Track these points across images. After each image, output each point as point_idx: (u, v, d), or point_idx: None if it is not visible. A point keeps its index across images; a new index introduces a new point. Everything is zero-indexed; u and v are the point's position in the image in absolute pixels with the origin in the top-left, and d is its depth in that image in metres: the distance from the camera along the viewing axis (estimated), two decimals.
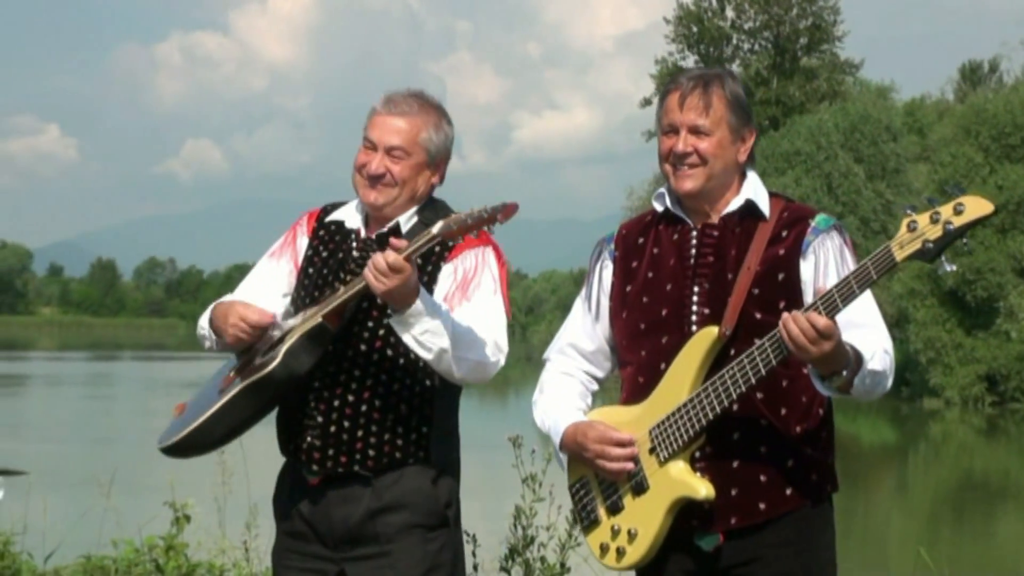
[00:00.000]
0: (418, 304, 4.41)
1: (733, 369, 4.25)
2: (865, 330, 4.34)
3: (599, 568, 7.63)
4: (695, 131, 4.44)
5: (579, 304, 4.83)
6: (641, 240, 4.66)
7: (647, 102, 66.50)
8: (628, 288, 4.64)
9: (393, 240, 4.41)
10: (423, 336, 4.46)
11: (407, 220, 4.79)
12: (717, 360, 4.35)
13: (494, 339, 4.62)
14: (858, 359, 4.20)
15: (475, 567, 7.35)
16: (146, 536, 8.23)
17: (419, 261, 4.51)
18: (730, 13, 65.57)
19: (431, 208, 4.81)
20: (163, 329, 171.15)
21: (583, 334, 4.79)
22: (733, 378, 4.25)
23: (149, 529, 8.31)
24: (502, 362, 4.66)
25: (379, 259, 4.33)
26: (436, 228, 4.31)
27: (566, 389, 4.74)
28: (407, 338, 4.48)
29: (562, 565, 7.30)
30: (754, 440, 4.40)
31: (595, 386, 4.80)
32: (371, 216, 4.87)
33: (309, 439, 4.72)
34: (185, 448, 4.74)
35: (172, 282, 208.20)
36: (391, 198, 4.76)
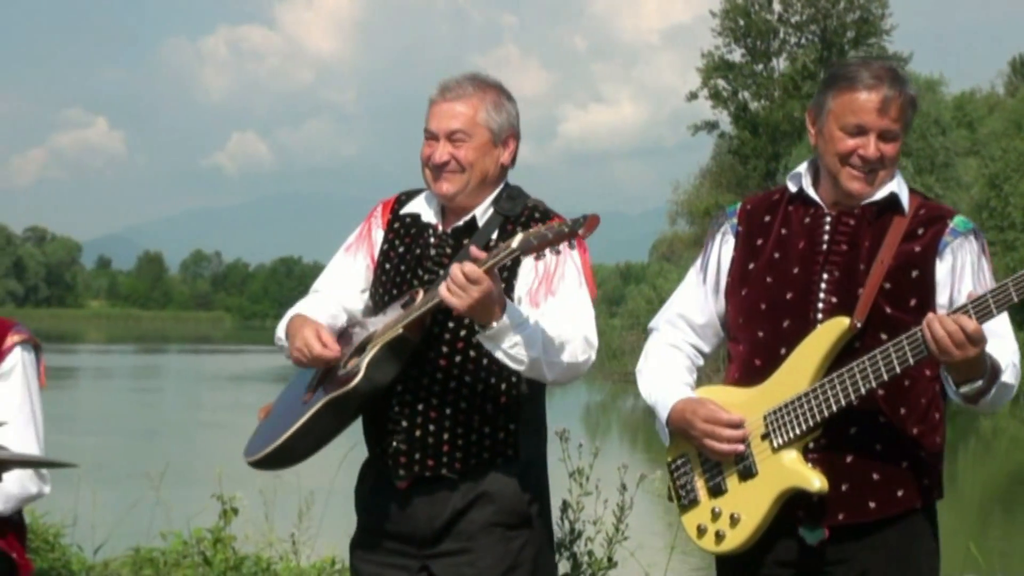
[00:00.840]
0: (504, 319, 4.30)
1: (864, 364, 4.18)
2: (1002, 340, 4.27)
3: (647, 562, 7.62)
4: (884, 136, 4.32)
5: (693, 275, 4.73)
6: (768, 218, 4.56)
7: (693, 96, 66.39)
8: (751, 266, 4.54)
9: (473, 250, 4.30)
10: (513, 350, 4.35)
11: (483, 212, 4.70)
12: (841, 352, 4.28)
13: (583, 335, 4.50)
14: (994, 369, 4.15)
15: None
16: (194, 528, 8.25)
17: (504, 274, 4.44)
18: (777, 7, 65.40)
19: (507, 196, 4.72)
20: (210, 322, 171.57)
21: (695, 306, 4.69)
22: (863, 373, 4.18)
23: (197, 521, 8.33)
24: (593, 357, 4.53)
25: (456, 273, 4.22)
26: (516, 243, 4.17)
27: (673, 362, 4.65)
28: (497, 353, 4.37)
29: (609, 559, 7.27)
30: (870, 437, 4.32)
31: (701, 360, 4.71)
32: (447, 208, 4.78)
33: (395, 443, 4.64)
34: (271, 463, 4.70)
35: (218, 275, 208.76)
36: (461, 185, 4.66)
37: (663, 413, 4.51)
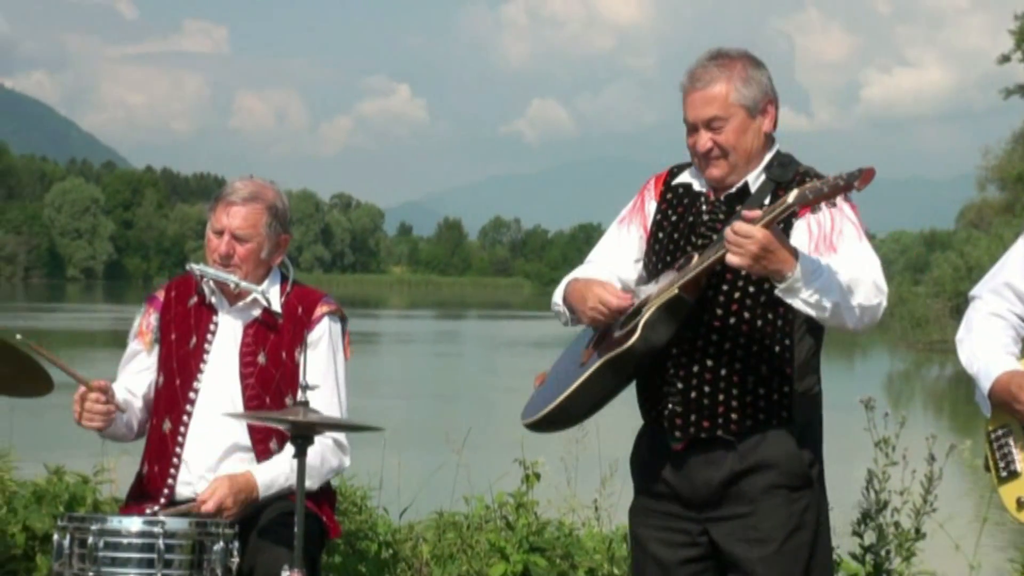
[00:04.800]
0: (798, 268, 4.29)
1: None
2: None
3: (957, 535, 7.44)
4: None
5: (1022, 243, 4.63)
6: None
7: (1005, 59, 64.31)
8: None
9: (746, 212, 4.32)
10: (813, 298, 4.33)
11: (755, 179, 4.72)
12: None
13: (873, 280, 4.46)
14: None
15: None
16: (496, 493, 8.32)
17: (781, 225, 4.39)
18: None
19: (779, 164, 4.71)
20: (508, 288, 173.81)
21: (1022, 276, 4.60)
22: None
23: (499, 486, 8.39)
24: (884, 303, 4.49)
25: (728, 232, 4.26)
26: (792, 197, 4.21)
27: (997, 331, 4.57)
28: (797, 303, 4.35)
29: (917, 531, 7.13)
30: None
31: None
32: None
33: (671, 406, 4.69)
34: (549, 424, 4.79)
35: (517, 242, 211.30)
36: (729, 168, 4.71)
37: (985, 384, 4.44)
